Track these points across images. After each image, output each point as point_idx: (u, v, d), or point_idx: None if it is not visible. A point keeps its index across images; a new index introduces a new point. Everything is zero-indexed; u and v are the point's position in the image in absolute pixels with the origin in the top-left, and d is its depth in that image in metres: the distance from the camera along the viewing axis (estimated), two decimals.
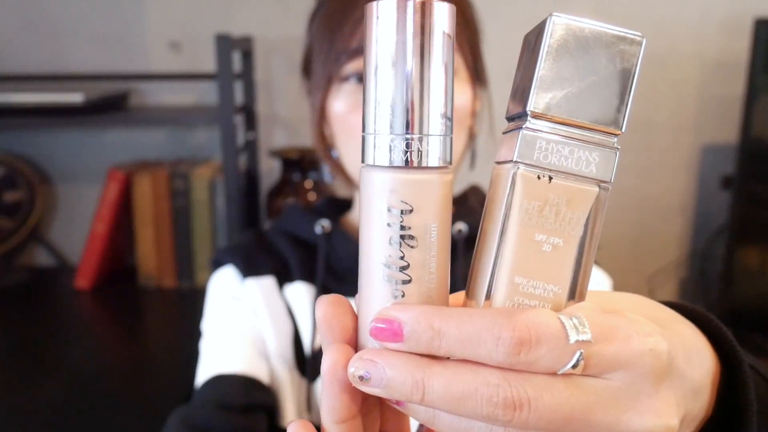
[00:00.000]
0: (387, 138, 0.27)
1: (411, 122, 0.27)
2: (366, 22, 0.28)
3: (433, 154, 0.28)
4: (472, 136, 0.75)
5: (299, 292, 0.72)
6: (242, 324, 0.71)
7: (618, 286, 0.76)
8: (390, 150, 0.27)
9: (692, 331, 0.33)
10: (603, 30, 0.27)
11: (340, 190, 0.90)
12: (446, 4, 0.27)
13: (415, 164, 0.27)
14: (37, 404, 1.01)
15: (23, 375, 1.11)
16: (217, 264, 0.77)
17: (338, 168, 0.74)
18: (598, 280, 0.74)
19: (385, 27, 0.27)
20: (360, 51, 0.65)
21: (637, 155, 1.53)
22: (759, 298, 1.48)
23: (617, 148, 0.28)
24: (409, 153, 0.27)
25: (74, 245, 1.55)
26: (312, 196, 1.41)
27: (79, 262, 1.44)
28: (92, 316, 1.40)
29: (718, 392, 0.33)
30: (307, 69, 0.77)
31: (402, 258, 0.28)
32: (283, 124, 1.54)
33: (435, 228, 0.28)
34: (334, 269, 0.74)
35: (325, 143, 0.74)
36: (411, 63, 0.27)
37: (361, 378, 0.27)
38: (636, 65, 0.28)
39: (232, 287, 0.74)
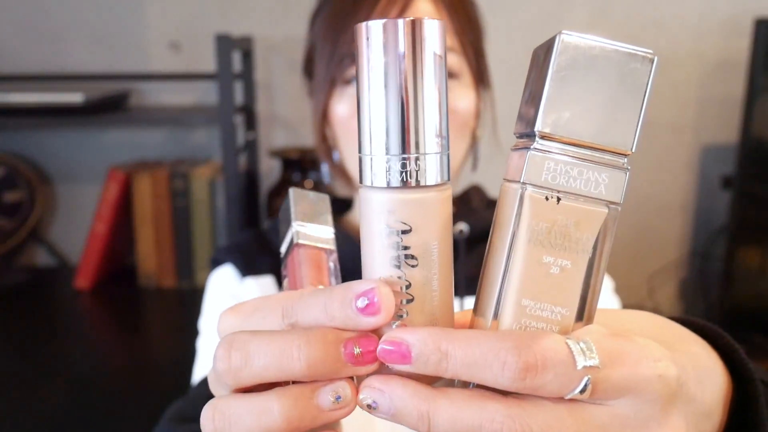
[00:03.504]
0: (383, 159, 0.27)
1: (406, 142, 0.27)
2: (356, 43, 0.27)
3: (431, 173, 0.27)
4: (474, 139, 0.74)
5: None
6: None
7: (618, 286, 0.76)
8: (387, 171, 0.27)
9: (703, 350, 0.32)
10: (613, 48, 0.26)
11: (340, 190, 0.90)
12: (436, 21, 0.27)
13: (412, 184, 0.27)
14: (37, 404, 1.01)
15: (23, 375, 1.11)
16: (215, 263, 0.77)
17: (339, 170, 0.74)
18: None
19: (375, 48, 0.27)
20: None
21: (637, 155, 1.52)
22: (759, 298, 1.48)
23: (627, 169, 0.28)
24: (405, 173, 0.27)
25: (74, 245, 1.55)
26: None
27: (79, 262, 1.44)
28: (92, 316, 1.40)
29: (730, 409, 0.33)
30: (308, 69, 0.76)
31: (404, 278, 0.28)
32: (283, 124, 1.54)
33: (436, 246, 0.28)
34: None
35: (327, 145, 0.74)
36: (403, 83, 0.27)
37: (369, 406, 0.27)
38: (647, 84, 0.27)
39: (231, 286, 0.74)
